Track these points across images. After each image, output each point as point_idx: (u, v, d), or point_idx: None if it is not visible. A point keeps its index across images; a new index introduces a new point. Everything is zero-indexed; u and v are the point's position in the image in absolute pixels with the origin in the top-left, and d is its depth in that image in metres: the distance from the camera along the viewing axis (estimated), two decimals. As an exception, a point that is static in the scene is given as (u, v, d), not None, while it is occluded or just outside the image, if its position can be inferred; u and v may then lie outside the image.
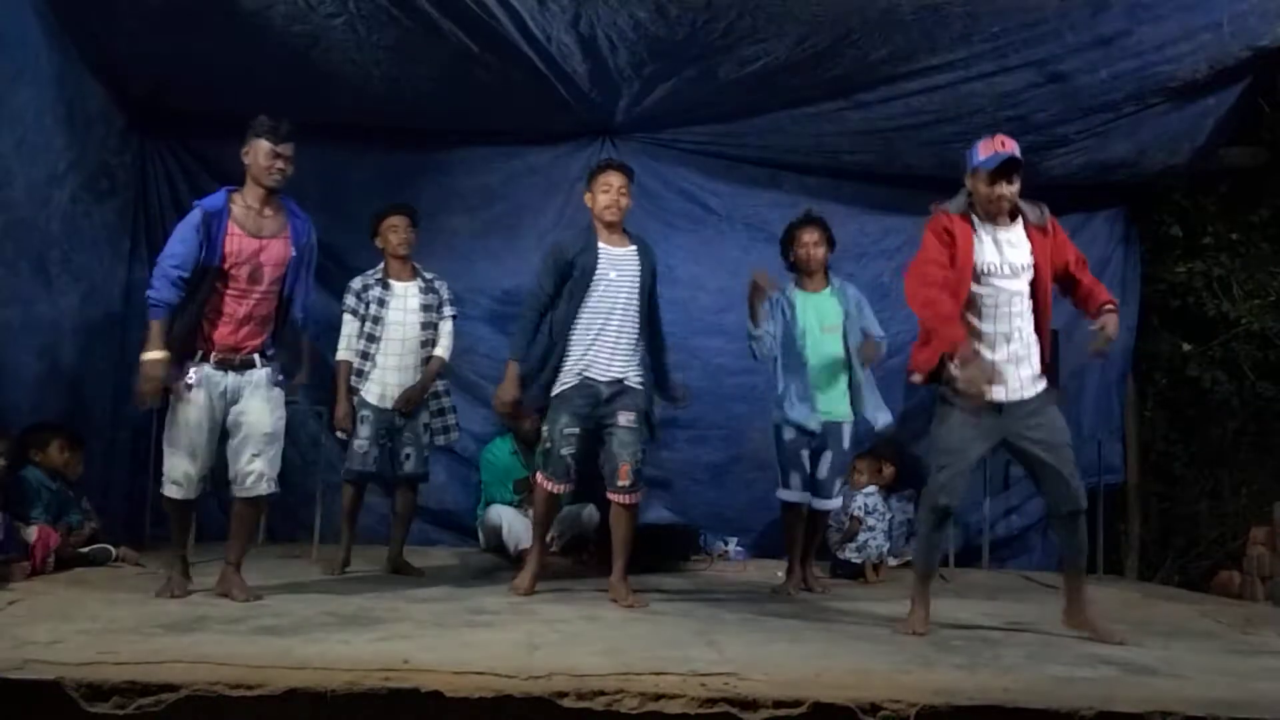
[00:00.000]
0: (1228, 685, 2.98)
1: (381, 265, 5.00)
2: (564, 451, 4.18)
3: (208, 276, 3.79)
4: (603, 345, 4.22)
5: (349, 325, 4.91)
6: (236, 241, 3.82)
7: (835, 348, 4.77)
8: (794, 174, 6.23)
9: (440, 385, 5.04)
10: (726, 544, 5.94)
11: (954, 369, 3.56)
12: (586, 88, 5.43)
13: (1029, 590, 5.20)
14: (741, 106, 5.60)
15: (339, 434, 4.99)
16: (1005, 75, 5.07)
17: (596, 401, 4.20)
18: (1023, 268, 3.64)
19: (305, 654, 2.87)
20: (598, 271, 4.21)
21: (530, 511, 5.04)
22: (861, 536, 5.41)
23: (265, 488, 3.94)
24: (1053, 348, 3.87)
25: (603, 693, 2.57)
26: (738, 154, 6.17)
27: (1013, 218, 3.68)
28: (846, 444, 4.82)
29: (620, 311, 4.25)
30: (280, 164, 3.83)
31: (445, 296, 5.06)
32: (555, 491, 4.24)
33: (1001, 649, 3.47)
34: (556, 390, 4.24)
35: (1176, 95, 5.18)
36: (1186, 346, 5.99)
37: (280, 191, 3.92)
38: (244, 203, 3.88)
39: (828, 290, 4.85)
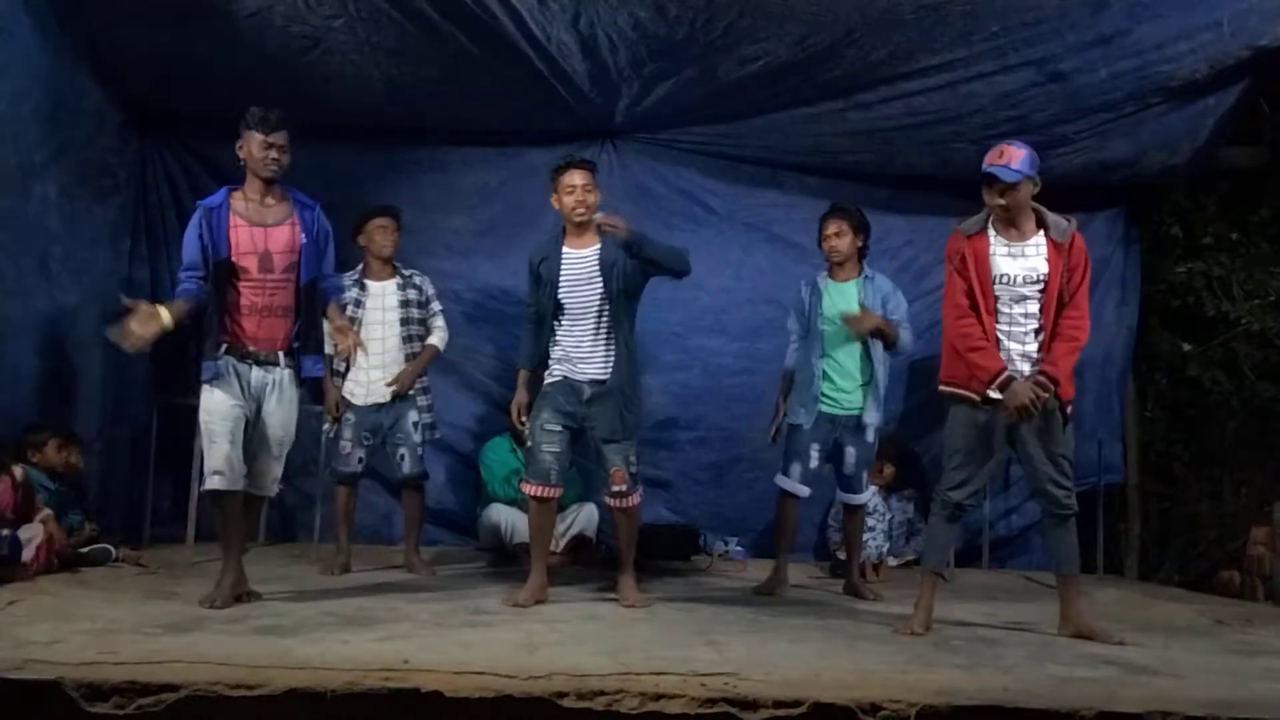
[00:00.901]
0: (1228, 685, 2.98)
1: (360, 265, 5.04)
2: (545, 448, 4.11)
3: (218, 270, 3.80)
4: (577, 347, 4.19)
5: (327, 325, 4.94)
6: (240, 232, 3.84)
7: (854, 339, 4.73)
8: (794, 174, 6.22)
9: (425, 381, 5.05)
10: (726, 544, 5.94)
11: (994, 394, 3.69)
12: (586, 88, 5.43)
13: (1029, 590, 5.20)
14: (741, 106, 5.59)
15: (326, 424, 4.99)
16: (1005, 75, 5.06)
17: (579, 400, 4.17)
18: (1037, 277, 3.71)
19: (305, 654, 2.87)
20: (560, 275, 4.19)
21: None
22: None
23: (276, 489, 4.02)
24: None
25: (603, 693, 2.58)
26: (738, 154, 6.16)
27: (1039, 228, 3.76)
28: (870, 437, 4.76)
29: (592, 313, 4.18)
30: (274, 154, 3.84)
31: (430, 292, 5.11)
32: (541, 497, 4.14)
33: (1001, 649, 3.47)
34: (542, 390, 4.23)
35: (1176, 95, 5.18)
36: (1186, 346, 5.98)
37: (279, 181, 3.93)
38: (245, 196, 3.90)
39: (855, 281, 4.79)
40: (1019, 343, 3.74)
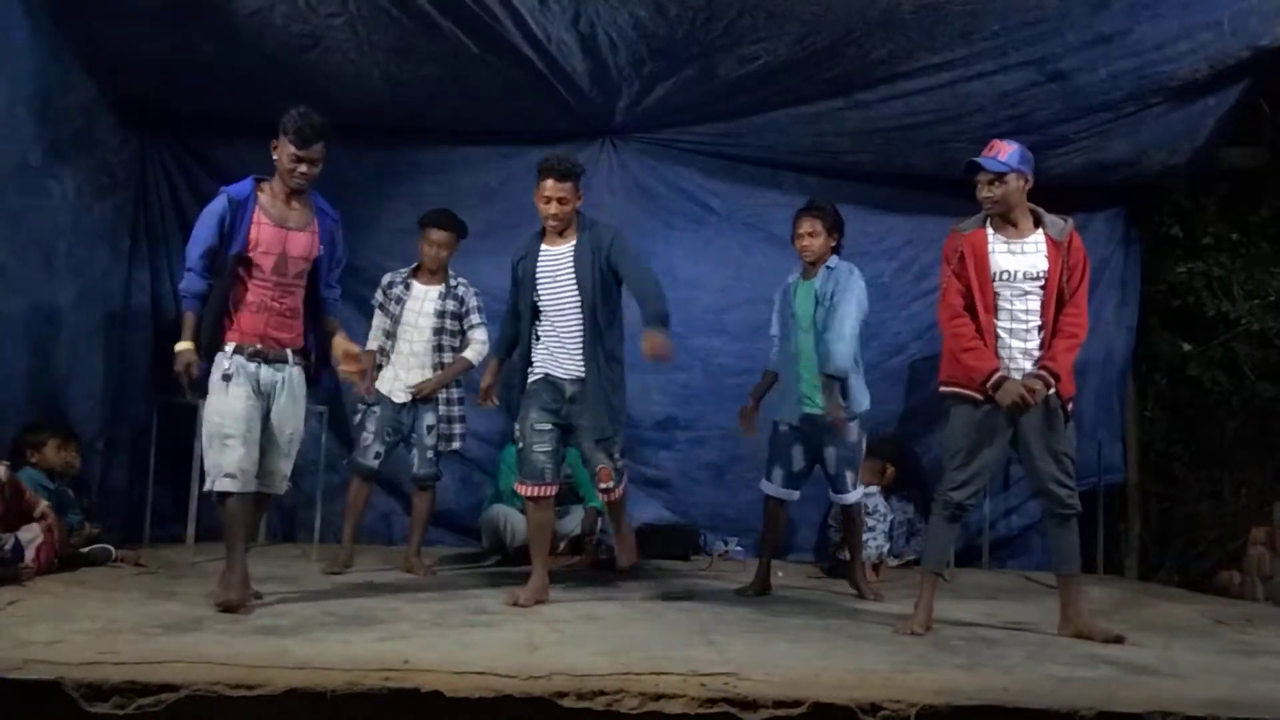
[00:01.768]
0: (1228, 685, 2.98)
1: (416, 264, 5.13)
2: (537, 448, 4.11)
3: (232, 263, 3.76)
4: (555, 345, 4.18)
5: (375, 318, 5.13)
6: (262, 230, 3.79)
7: (814, 334, 4.64)
8: (794, 174, 6.22)
9: (456, 392, 5.07)
10: (726, 544, 5.95)
11: (991, 392, 3.70)
12: (586, 87, 5.43)
13: (1029, 590, 5.20)
14: (741, 106, 5.59)
15: (359, 406, 5.04)
16: (1005, 74, 5.07)
17: (562, 398, 4.16)
18: (1037, 274, 3.73)
19: (305, 654, 2.87)
20: (536, 274, 4.19)
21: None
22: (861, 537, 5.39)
23: (286, 487, 4.00)
24: None
25: (603, 693, 2.58)
26: (738, 154, 6.16)
27: (1036, 226, 3.79)
28: (853, 436, 4.65)
29: (567, 310, 4.16)
30: (304, 168, 3.78)
31: (473, 304, 5.13)
32: (537, 496, 4.11)
33: (1001, 649, 3.47)
34: (526, 389, 4.21)
35: (1176, 95, 5.18)
36: (1186, 346, 5.98)
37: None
38: (271, 192, 3.86)
39: (817, 279, 4.71)
40: (1020, 340, 3.75)
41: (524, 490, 4.14)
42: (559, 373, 4.18)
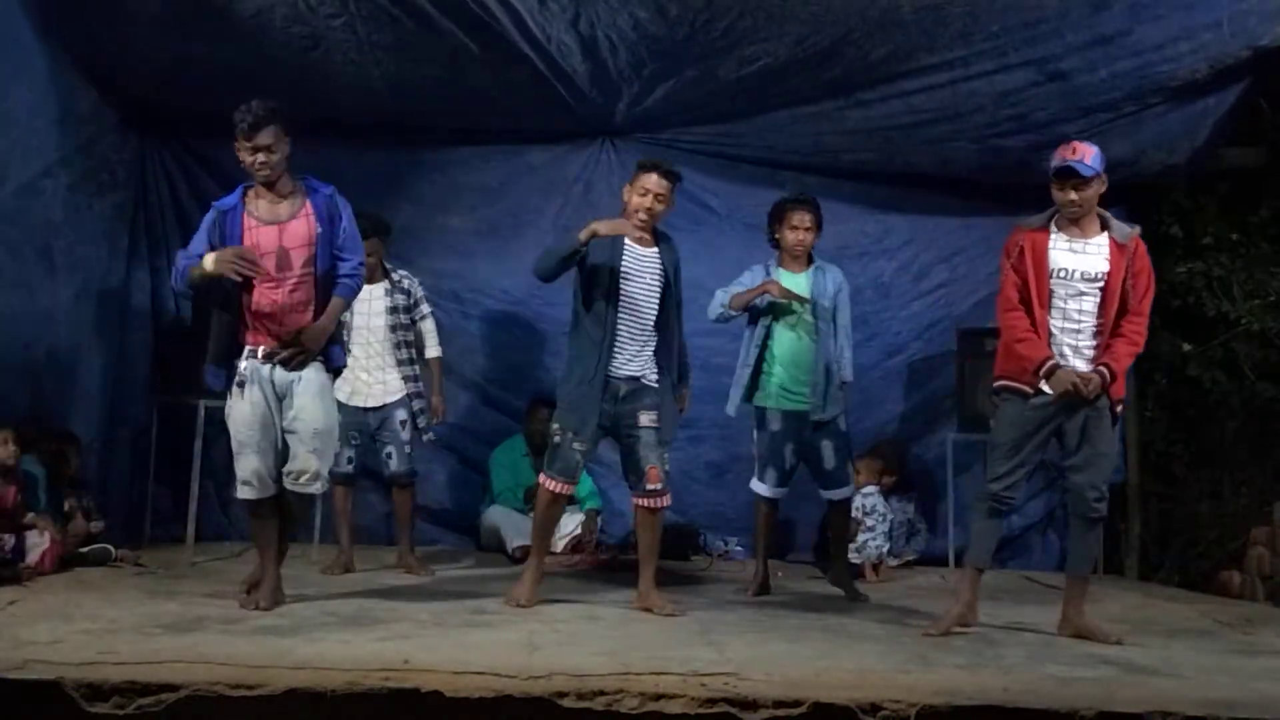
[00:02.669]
0: (1228, 685, 2.98)
1: None
2: (577, 445, 4.04)
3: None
4: (621, 342, 4.12)
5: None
6: (255, 234, 3.77)
7: (808, 331, 4.66)
8: (794, 174, 6.20)
9: (415, 386, 5.04)
10: (726, 544, 5.94)
11: (1044, 385, 3.69)
12: (586, 88, 5.43)
13: (1029, 590, 5.20)
14: (741, 106, 5.59)
15: None
16: (1005, 74, 5.06)
17: (614, 399, 4.10)
18: (1096, 275, 3.70)
19: (305, 654, 2.87)
20: (621, 269, 4.12)
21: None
22: (861, 537, 5.40)
23: (319, 487, 3.88)
24: None
25: (603, 693, 2.58)
26: (738, 154, 6.15)
27: (1103, 229, 3.76)
28: (843, 426, 4.71)
29: (644, 311, 4.16)
30: (261, 156, 3.72)
31: (418, 295, 5.11)
32: (558, 492, 4.09)
33: (1001, 649, 3.48)
34: (575, 384, 4.11)
35: (1176, 95, 5.17)
36: (1186, 346, 5.97)
37: (290, 173, 3.84)
38: (256, 195, 3.84)
39: (807, 273, 4.71)
40: (1072, 338, 3.72)
41: (552, 485, 4.07)
42: (621, 372, 4.12)
